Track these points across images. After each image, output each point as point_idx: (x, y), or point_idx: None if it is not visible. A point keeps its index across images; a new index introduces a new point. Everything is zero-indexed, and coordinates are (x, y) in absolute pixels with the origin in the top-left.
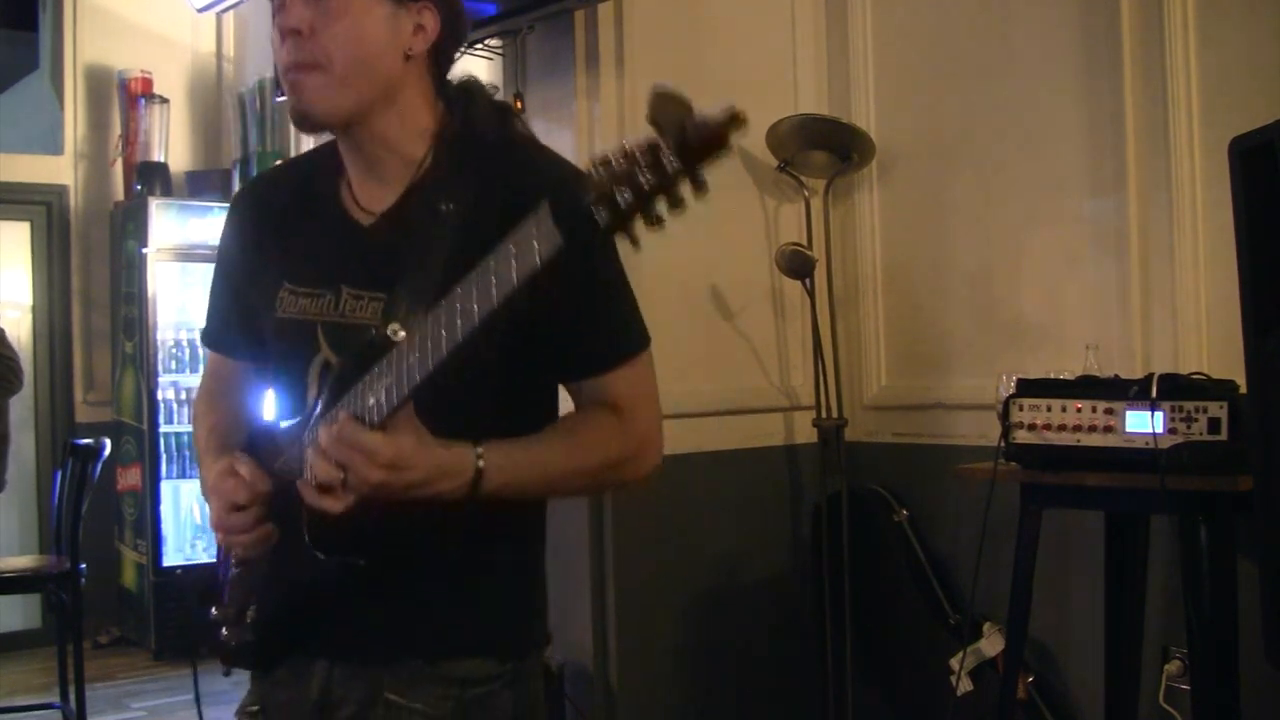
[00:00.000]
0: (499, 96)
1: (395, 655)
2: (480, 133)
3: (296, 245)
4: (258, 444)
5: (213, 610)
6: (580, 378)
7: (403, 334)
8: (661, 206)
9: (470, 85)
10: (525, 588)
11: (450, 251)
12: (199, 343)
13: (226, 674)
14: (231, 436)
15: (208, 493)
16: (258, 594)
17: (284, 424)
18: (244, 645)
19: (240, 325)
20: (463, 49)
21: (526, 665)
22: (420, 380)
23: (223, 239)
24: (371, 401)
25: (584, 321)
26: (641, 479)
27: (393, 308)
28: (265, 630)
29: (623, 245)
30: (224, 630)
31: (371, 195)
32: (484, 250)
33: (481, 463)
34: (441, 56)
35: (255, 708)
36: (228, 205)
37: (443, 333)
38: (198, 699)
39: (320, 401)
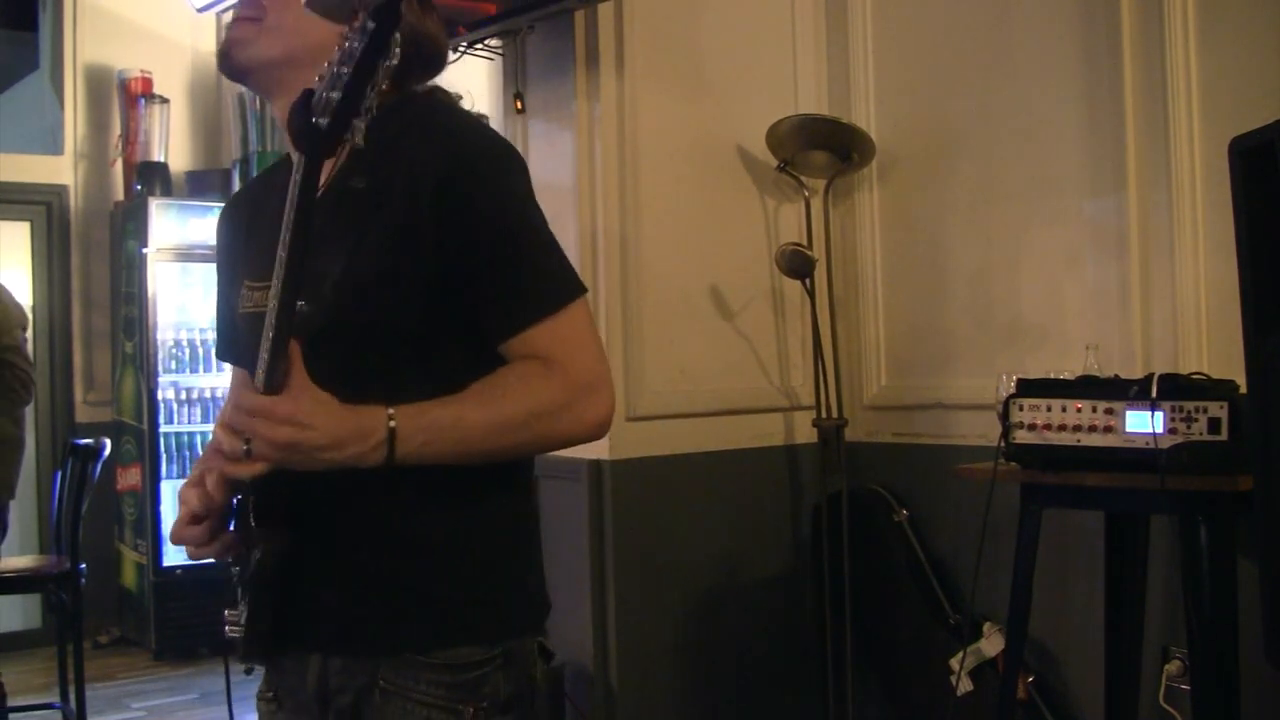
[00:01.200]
0: (483, 95)
1: (386, 648)
2: (410, 100)
3: (253, 243)
4: None
5: (226, 612)
6: (499, 339)
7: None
8: (382, 69)
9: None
10: (512, 570)
11: (359, 227)
12: (214, 356)
13: (248, 672)
14: None
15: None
16: (246, 591)
17: None
18: (236, 640)
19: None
20: (461, 49)
21: (519, 648)
22: (275, 330)
23: (216, 251)
24: (260, 371)
25: (492, 279)
26: (589, 430)
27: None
28: (252, 625)
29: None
30: (228, 618)
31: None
32: (388, 224)
33: (393, 423)
34: None
35: (270, 693)
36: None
37: (278, 279)
38: (229, 695)
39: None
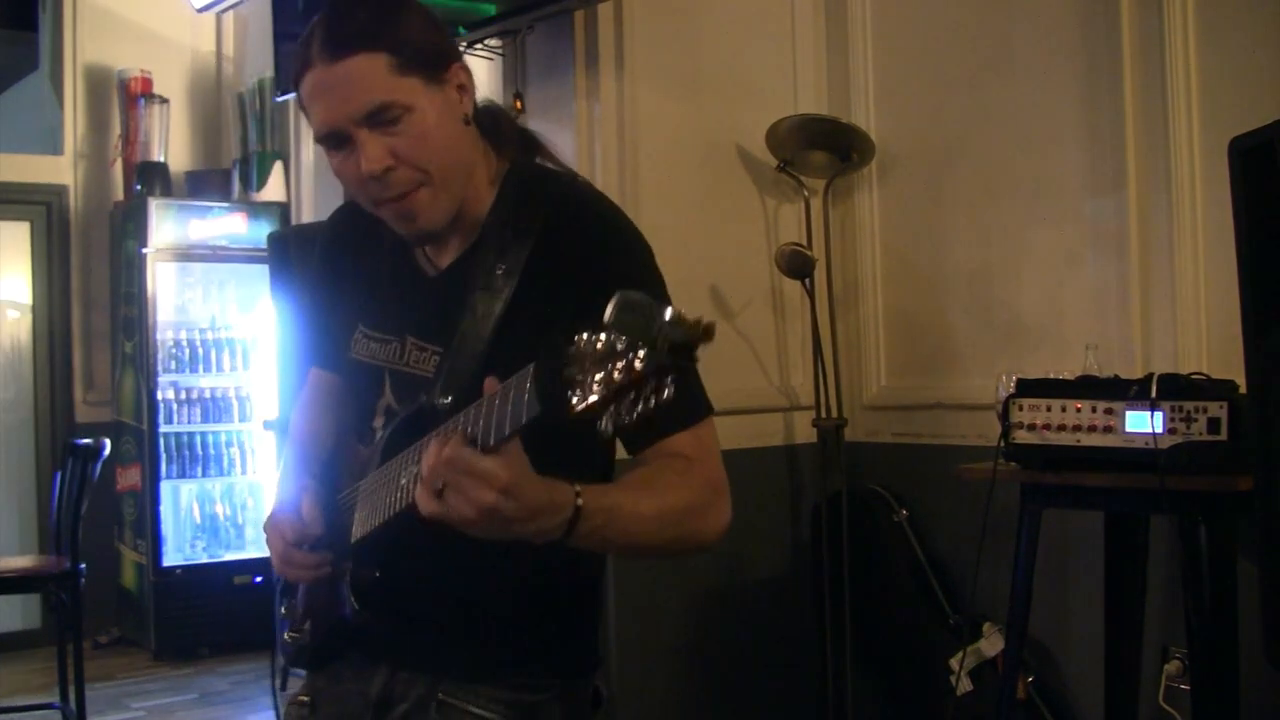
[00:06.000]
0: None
1: (453, 669)
2: (526, 175)
3: (372, 287)
4: (328, 471)
5: (283, 608)
6: (644, 444)
7: (448, 401)
8: (630, 406)
9: (494, 114)
10: (583, 613)
11: (500, 315)
12: (302, 361)
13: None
14: (317, 450)
15: (267, 524)
16: (318, 606)
17: (355, 453)
18: (302, 649)
19: (330, 342)
20: (461, 50)
21: (578, 685)
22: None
23: (314, 263)
24: (481, 425)
25: None
26: (717, 533)
27: (444, 371)
28: (321, 639)
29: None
30: (289, 632)
31: (439, 247)
32: (529, 314)
33: (580, 500)
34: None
35: (305, 698)
36: (229, 205)
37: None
38: (274, 690)
39: (379, 454)
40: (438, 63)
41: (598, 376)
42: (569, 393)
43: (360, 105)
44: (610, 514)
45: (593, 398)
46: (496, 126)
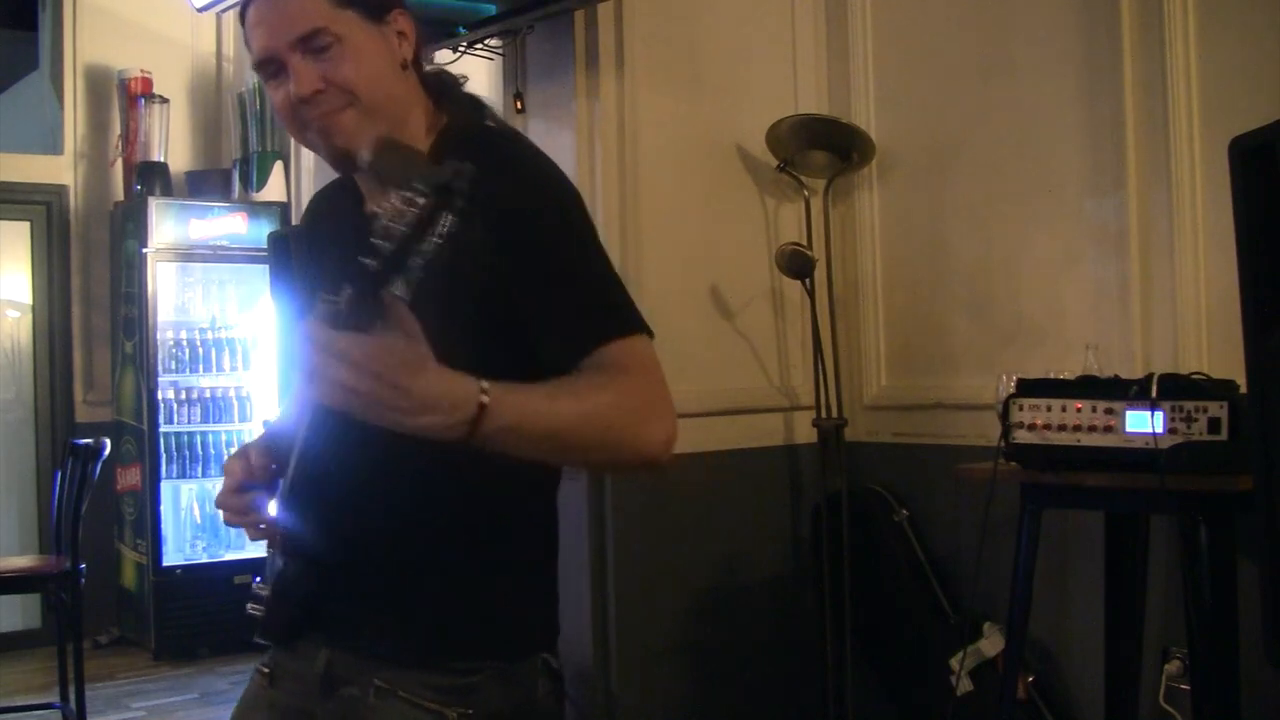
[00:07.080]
0: (483, 94)
1: (389, 655)
2: (464, 128)
3: (329, 256)
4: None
5: (255, 581)
6: (571, 361)
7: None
8: (418, 246)
9: (444, 78)
10: (522, 591)
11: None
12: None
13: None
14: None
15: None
16: (272, 575)
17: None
18: (255, 619)
19: None
20: (461, 49)
21: (521, 666)
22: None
23: (299, 252)
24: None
25: (553, 310)
26: (658, 446)
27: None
28: (271, 608)
29: None
30: (250, 605)
31: (379, 200)
32: (468, 263)
33: (486, 397)
34: (419, 56)
35: (266, 669)
36: (229, 205)
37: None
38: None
39: None
40: (379, 5)
41: (394, 228)
42: (375, 241)
43: (294, 30)
44: (524, 410)
45: (391, 244)
46: (444, 88)
